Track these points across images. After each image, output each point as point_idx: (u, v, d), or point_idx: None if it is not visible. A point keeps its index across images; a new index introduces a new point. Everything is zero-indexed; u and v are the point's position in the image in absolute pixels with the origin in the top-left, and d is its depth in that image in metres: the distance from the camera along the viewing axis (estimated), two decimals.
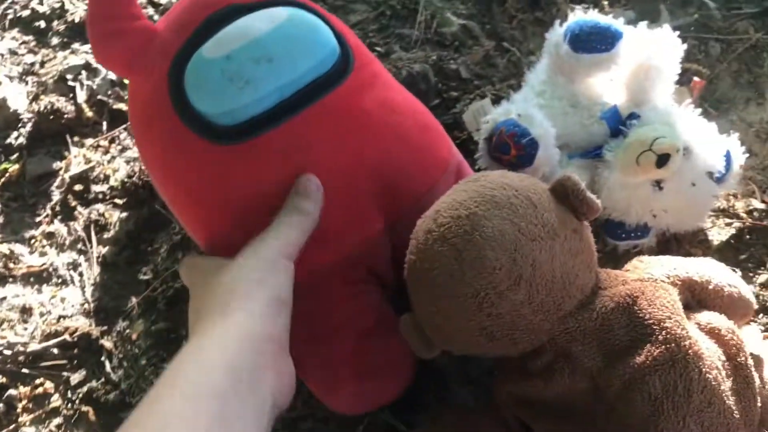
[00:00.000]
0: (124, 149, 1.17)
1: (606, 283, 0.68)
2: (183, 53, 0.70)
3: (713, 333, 0.67)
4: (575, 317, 0.64)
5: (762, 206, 1.02)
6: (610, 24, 0.96)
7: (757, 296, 0.92)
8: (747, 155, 0.97)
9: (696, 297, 0.70)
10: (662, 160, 0.87)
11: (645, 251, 0.98)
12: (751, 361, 0.65)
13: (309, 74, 0.70)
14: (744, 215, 1.01)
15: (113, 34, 0.72)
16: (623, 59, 0.97)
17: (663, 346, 0.61)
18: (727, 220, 1.01)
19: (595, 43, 0.96)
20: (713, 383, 0.60)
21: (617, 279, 0.69)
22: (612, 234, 0.97)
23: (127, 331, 0.98)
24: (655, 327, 0.62)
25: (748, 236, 0.99)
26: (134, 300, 1.00)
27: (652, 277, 0.69)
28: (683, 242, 0.99)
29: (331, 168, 0.71)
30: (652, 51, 0.95)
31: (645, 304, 0.64)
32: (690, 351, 0.61)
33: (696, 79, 1.17)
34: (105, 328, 0.99)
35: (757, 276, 0.95)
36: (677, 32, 1.24)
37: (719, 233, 1.00)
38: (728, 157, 0.95)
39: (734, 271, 0.95)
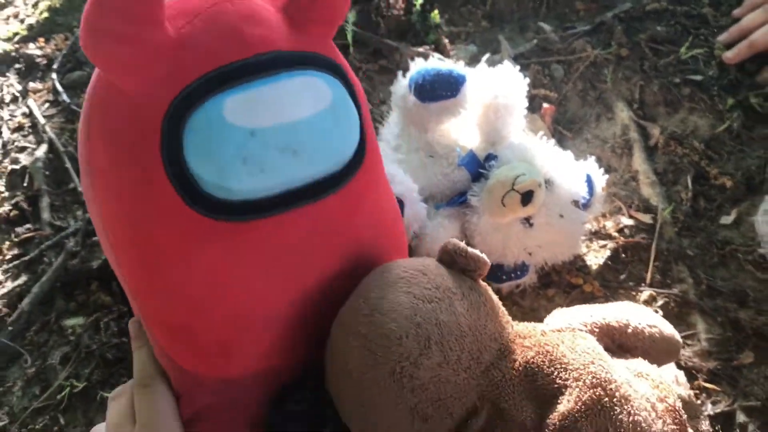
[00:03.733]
0: None
1: (525, 333, 0.67)
2: (197, 89, 0.55)
3: (642, 378, 0.66)
4: (498, 368, 0.62)
5: (630, 222, 1.03)
6: (451, 69, 0.95)
7: None
8: (607, 174, 0.98)
9: (616, 342, 0.70)
10: (526, 197, 0.86)
11: (528, 288, 0.96)
12: (680, 404, 0.65)
13: (323, 172, 0.61)
14: (616, 234, 1.02)
15: (123, 37, 0.52)
16: (470, 101, 0.95)
17: (590, 391, 0.59)
18: (601, 242, 1.01)
19: (439, 90, 0.94)
20: (643, 425, 0.59)
21: (535, 330, 0.68)
22: (493, 277, 0.95)
23: None
24: (581, 371, 0.61)
25: (623, 255, 1.00)
26: None
27: (570, 327, 0.68)
28: (563, 273, 0.98)
29: (312, 277, 0.64)
30: (498, 89, 0.94)
31: (567, 351, 0.63)
32: (617, 394, 0.59)
33: (545, 105, 1.17)
34: None
35: (639, 293, 0.95)
36: (520, 60, 1.27)
37: (596, 257, 1.00)
38: (589, 181, 0.95)
39: (618, 291, 0.96)
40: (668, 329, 0.72)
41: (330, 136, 0.61)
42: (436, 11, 1.34)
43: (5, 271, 1.06)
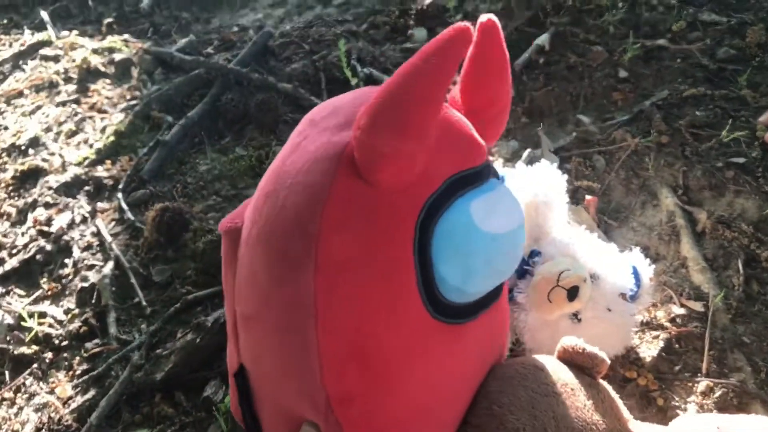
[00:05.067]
0: (31, 396, 1.10)
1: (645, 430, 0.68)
2: (447, 191, 0.58)
3: None
4: None
5: (682, 311, 1.02)
6: None
7: (701, 406, 0.90)
8: (653, 264, 0.98)
9: None
10: (572, 292, 0.87)
11: None
12: None
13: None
14: (668, 324, 1.01)
15: (400, 154, 0.55)
16: None
17: None
18: (653, 333, 1.00)
19: None
20: None
21: (658, 430, 0.69)
22: None
23: None
24: None
25: (677, 345, 0.98)
26: None
27: None
28: (616, 366, 0.97)
29: (485, 362, 0.69)
30: (537, 188, 0.96)
31: None
32: None
33: (588, 197, 1.19)
34: None
35: (695, 385, 0.93)
36: (560, 153, 1.30)
37: (649, 348, 0.99)
38: (636, 273, 0.95)
39: (674, 384, 0.94)
40: None
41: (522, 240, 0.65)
42: None
43: (75, 387, 1.11)
